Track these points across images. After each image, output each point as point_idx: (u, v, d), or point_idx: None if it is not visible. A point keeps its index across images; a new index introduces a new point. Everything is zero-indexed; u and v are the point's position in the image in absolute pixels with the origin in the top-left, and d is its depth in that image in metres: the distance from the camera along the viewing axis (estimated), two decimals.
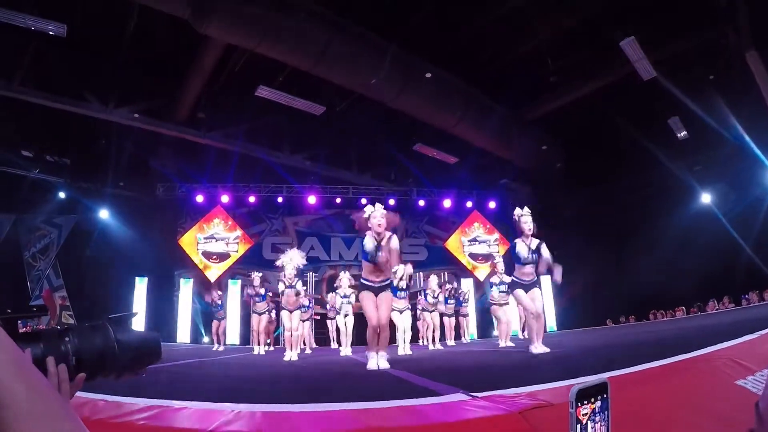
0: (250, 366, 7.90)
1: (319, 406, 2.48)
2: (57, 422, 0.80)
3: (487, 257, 20.19)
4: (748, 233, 13.82)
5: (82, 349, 1.11)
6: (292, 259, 9.75)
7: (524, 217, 7.24)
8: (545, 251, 7.20)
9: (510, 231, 19.39)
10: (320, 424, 2.15)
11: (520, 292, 7.20)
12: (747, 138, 13.30)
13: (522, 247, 7.14)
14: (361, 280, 6.61)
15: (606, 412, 1.41)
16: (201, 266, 18.71)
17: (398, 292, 12.37)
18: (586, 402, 1.38)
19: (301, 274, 9.96)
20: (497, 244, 20.50)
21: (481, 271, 20.14)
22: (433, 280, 12.88)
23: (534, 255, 7.14)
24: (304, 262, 10.18)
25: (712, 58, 12.87)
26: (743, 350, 3.15)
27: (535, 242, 7.17)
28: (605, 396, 1.41)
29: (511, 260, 7.62)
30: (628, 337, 8.70)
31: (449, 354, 9.54)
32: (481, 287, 19.97)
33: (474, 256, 20.63)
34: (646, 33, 11.84)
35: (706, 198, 15.60)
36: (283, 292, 9.68)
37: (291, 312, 9.76)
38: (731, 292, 14.19)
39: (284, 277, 9.68)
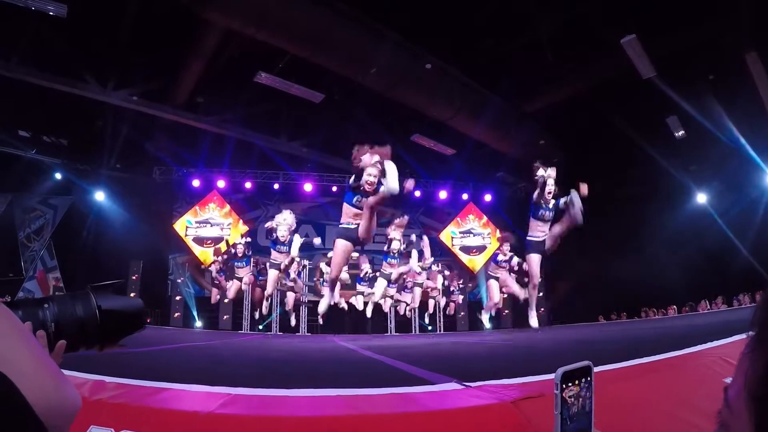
0: (242, 351, 7.93)
1: (314, 391, 2.52)
2: (53, 378, 0.85)
3: (481, 249, 20.24)
4: (743, 234, 13.88)
5: (62, 316, 1.12)
6: (286, 219, 9.79)
7: (549, 179, 7.15)
8: (577, 200, 7.06)
9: (505, 223, 19.50)
10: (316, 409, 2.19)
11: (535, 257, 7.06)
12: (743, 140, 13.34)
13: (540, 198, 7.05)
14: (341, 225, 6.50)
15: (590, 393, 1.46)
16: (195, 251, 18.72)
17: (362, 282, 12.59)
18: (570, 384, 1.43)
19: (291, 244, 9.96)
20: (491, 237, 20.54)
21: (476, 263, 20.20)
22: (427, 245, 13.02)
23: (551, 213, 7.13)
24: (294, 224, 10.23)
25: (712, 59, 12.87)
26: (733, 349, 3.19)
27: (560, 200, 7.12)
28: (589, 378, 1.46)
29: (528, 218, 7.54)
30: (619, 333, 8.76)
31: (439, 344, 9.59)
32: (474, 280, 20.05)
33: (467, 249, 20.67)
34: (646, 30, 11.84)
35: (701, 198, 15.66)
36: (275, 240, 9.66)
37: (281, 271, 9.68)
38: (725, 293, 14.27)
39: (277, 237, 9.71)
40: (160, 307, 17.84)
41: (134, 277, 17.53)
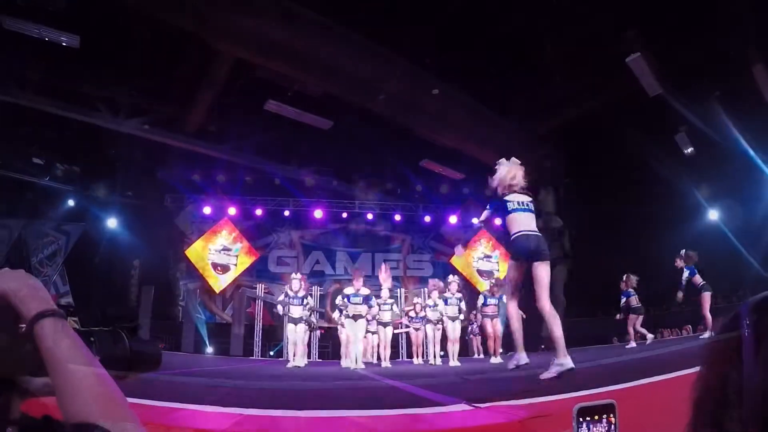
0: (255, 374, 7.94)
1: (326, 412, 2.54)
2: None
3: (490, 274, 20.12)
4: (755, 250, 13.75)
5: (103, 351, 1.19)
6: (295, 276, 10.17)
7: (502, 167, 5.89)
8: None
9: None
10: (328, 429, 2.21)
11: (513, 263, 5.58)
12: (753, 153, 13.28)
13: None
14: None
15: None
16: (211, 278, 18.74)
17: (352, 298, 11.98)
18: (589, 419, 1.33)
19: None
20: (497, 261, 20.49)
21: (484, 285, 20.07)
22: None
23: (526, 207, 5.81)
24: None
25: (719, 72, 12.83)
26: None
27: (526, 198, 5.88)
28: (612, 416, 1.35)
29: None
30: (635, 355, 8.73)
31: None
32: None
33: (480, 273, 20.56)
34: (652, 47, 11.90)
35: (713, 214, 15.57)
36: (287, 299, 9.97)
37: (296, 324, 10.02)
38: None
39: (290, 289, 9.99)
40: (172, 333, 17.84)
41: (146, 303, 17.57)
